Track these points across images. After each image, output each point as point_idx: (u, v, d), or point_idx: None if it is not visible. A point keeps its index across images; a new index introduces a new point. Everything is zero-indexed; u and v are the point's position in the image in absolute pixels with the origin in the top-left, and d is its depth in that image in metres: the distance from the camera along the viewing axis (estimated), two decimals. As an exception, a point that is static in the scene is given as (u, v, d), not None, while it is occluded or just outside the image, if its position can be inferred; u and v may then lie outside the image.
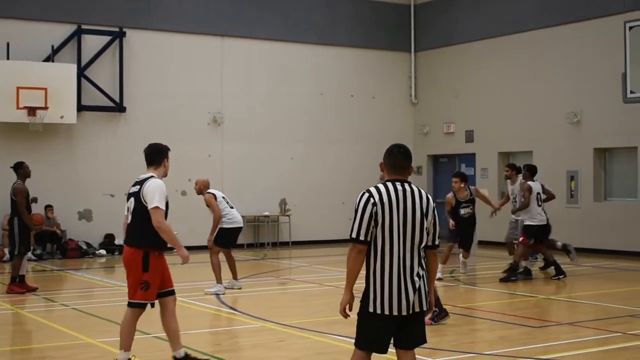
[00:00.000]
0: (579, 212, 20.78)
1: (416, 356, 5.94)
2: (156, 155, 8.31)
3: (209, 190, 14.21)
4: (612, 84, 18.36)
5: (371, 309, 5.73)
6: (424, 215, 5.81)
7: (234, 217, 14.20)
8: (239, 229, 14.36)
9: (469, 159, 24.85)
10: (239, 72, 23.44)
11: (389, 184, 5.82)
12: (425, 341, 5.94)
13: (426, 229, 5.82)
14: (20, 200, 13.74)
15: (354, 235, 5.76)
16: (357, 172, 24.20)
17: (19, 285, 14.06)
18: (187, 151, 22.17)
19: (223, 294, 13.75)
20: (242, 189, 22.77)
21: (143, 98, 21.97)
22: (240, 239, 15.38)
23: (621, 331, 10.26)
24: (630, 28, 15.51)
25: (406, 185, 5.84)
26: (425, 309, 5.82)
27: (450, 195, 16.08)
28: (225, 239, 14.19)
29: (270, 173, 23.74)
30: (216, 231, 14.03)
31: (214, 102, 23.00)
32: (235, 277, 14.36)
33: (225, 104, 23.10)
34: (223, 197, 14.34)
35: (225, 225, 14.10)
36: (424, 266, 5.86)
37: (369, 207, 5.73)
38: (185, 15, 22.76)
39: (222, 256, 14.07)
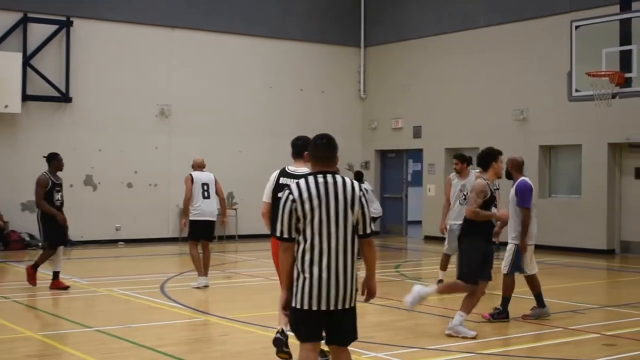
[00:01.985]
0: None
1: (358, 350, 5.94)
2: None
3: (192, 172, 14.01)
4: (558, 82, 18.54)
5: (297, 305, 5.70)
6: (350, 205, 5.75)
7: (200, 209, 13.77)
8: (205, 222, 13.85)
9: (417, 154, 25.02)
10: (188, 65, 23.26)
11: (311, 178, 5.77)
12: (355, 338, 5.89)
13: (353, 219, 5.77)
14: (38, 191, 13.18)
15: (277, 234, 5.78)
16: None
17: (57, 282, 13.39)
18: (134, 143, 21.98)
19: (206, 286, 13.55)
20: (189, 181, 22.57)
21: (90, 88, 21.67)
22: (186, 232, 15.15)
23: (563, 326, 10.39)
24: (577, 27, 15.65)
25: (329, 177, 5.77)
26: (353, 305, 5.79)
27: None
28: (191, 232, 13.84)
29: (217, 166, 23.55)
30: (187, 221, 13.78)
31: (162, 94, 22.78)
32: (200, 274, 13.70)
33: (174, 96, 22.90)
34: (203, 184, 13.89)
35: (191, 217, 13.79)
36: (355, 258, 5.82)
37: (288, 204, 5.72)
38: (135, 6, 22.51)
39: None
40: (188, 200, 13.75)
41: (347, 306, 5.72)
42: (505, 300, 10.80)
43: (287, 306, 5.80)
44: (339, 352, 5.87)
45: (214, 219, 14.19)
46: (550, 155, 21.47)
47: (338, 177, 5.79)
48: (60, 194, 13.37)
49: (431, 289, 10.06)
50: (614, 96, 15.00)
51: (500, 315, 10.70)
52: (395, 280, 15.18)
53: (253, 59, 24.32)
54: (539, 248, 19.54)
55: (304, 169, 8.24)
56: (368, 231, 5.86)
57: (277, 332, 7.95)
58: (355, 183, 5.86)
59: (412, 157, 25.61)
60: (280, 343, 7.91)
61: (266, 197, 8.42)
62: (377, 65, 25.88)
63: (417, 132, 24.57)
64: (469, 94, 22.93)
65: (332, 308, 5.66)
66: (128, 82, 22.24)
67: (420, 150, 24.49)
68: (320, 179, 5.75)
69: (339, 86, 25.89)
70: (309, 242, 5.67)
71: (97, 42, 21.91)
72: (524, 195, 10.68)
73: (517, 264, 10.84)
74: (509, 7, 22.00)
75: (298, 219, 5.68)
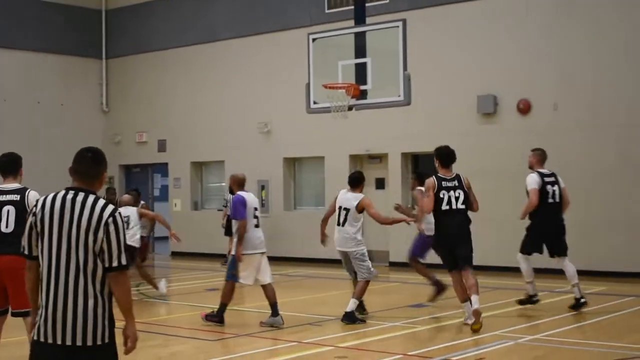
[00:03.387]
0: (269, 221, 20.90)
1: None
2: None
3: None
4: (299, 94, 18.60)
5: (34, 335, 4.96)
6: (91, 231, 4.87)
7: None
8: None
9: (162, 168, 24.42)
10: None
11: (60, 193, 4.97)
12: None
13: (95, 248, 4.88)
14: None
15: (21, 249, 5.05)
16: (43, 182, 22.78)
17: None
18: None
19: None
20: None
21: None
22: None
23: (297, 340, 10.20)
24: (314, 40, 15.71)
25: (79, 196, 4.94)
26: (90, 343, 4.88)
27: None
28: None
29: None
30: None
31: None
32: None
33: None
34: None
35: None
36: (99, 293, 4.92)
37: (30, 217, 4.96)
38: None
39: None
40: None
41: (80, 344, 4.86)
42: (222, 305, 11.24)
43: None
44: None
45: None
46: (295, 168, 21.58)
47: (89, 198, 4.95)
48: None
49: None
50: (350, 108, 15.11)
51: (214, 318, 11.18)
52: (133, 300, 14.47)
53: (-17, 70, 22.76)
54: (284, 260, 19.71)
55: (13, 185, 8.03)
56: (114, 264, 4.91)
57: None
58: (109, 207, 4.96)
59: (158, 172, 24.96)
60: None
61: None
62: (120, 78, 25.05)
63: (162, 146, 23.97)
64: (213, 106, 22.65)
65: (59, 342, 4.83)
66: None
67: (166, 164, 23.90)
68: (69, 195, 4.95)
69: (79, 99, 24.79)
70: (50, 264, 4.88)
71: None
72: (235, 208, 11.28)
73: (231, 272, 11.33)
74: (251, 20, 21.96)
75: (37, 236, 4.94)
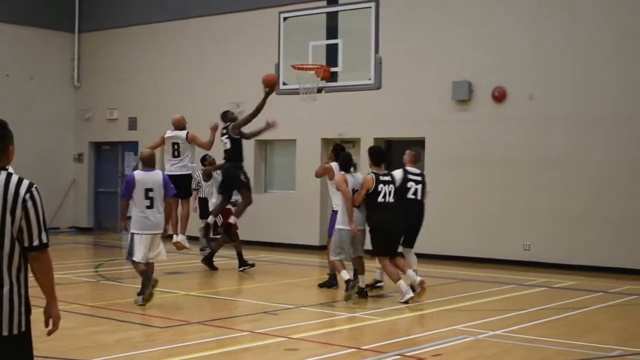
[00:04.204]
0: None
1: None
2: None
3: None
4: (270, 75, 18.23)
5: None
6: (9, 210, 4.51)
7: None
8: None
9: (132, 146, 23.90)
10: None
11: None
12: None
13: (12, 229, 4.52)
14: None
15: None
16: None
17: None
18: None
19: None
20: None
21: None
22: None
23: (249, 330, 9.83)
24: (285, 19, 15.30)
25: None
26: (6, 333, 4.53)
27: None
28: None
29: None
30: None
31: None
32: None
33: None
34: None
35: None
36: (14, 279, 4.56)
37: None
38: None
39: None
40: None
41: (0, 333, 4.50)
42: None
43: None
44: None
45: None
46: (267, 151, 21.17)
47: (1, 175, 4.58)
48: None
49: None
50: (319, 90, 14.73)
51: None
52: (90, 282, 14.10)
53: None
54: (256, 245, 19.32)
55: None
56: (35, 243, 4.57)
57: None
58: (24, 183, 4.59)
59: (128, 149, 24.44)
60: None
61: None
62: (92, 53, 24.52)
63: (132, 124, 23.49)
64: (185, 85, 22.22)
65: None
66: None
67: (136, 142, 23.39)
68: None
69: (50, 73, 24.26)
70: None
71: None
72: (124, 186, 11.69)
73: (127, 251, 11.72)
74: (228, -4, 21.53)
75: None
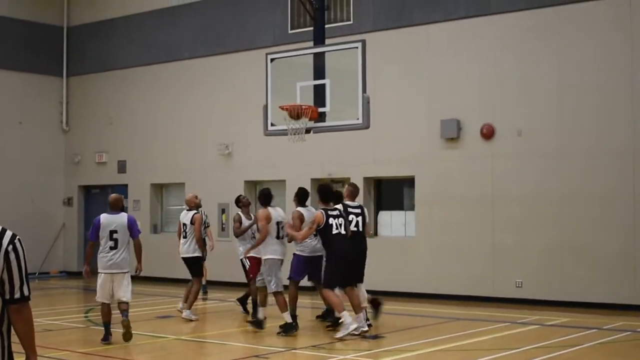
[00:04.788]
0: (230, 245, 20.40)
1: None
2: None
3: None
4: (259, 116, 18.19)
5: None
6: None
7: None
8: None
9: (122, 190, 23.73)
10: None
11: None
12: None
13: None
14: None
15: None
16: (1, 200, 22.24)
17: None
18: None
19: None
20: None
21: None
22: None
23: None
24: (272, 60, 15.29)
25: None
26: None
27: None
28: None
29: None
30: None
31: None
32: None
33: None
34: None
35: None
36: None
37: None
38: None
39: None
40: None
41: None
42: (104, 324, 12.03)
43: None
44: None
45: None
46: (256, 191, 21.11)
47: None
48: None
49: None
50: (307, 131, 14.68)
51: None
52: (80, 327, 13.96)
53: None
54: (243, 285, 19.01)
55: None
56: (17, 295, 4.41)
57: None
58: (7, 234, 4.41)
59: (117, 193, 24.33)
60: None
61: None
62: (81, 97, 24.56)
63: (122, 167, 23.46)
64: (174, 127, 22.22)
65: None
66: None
67: (126, 185, 23.35)
68: None
69: (38, 117, 24.27)
70: None
71: None
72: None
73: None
74: (213, 39, 21.58)
75: None
